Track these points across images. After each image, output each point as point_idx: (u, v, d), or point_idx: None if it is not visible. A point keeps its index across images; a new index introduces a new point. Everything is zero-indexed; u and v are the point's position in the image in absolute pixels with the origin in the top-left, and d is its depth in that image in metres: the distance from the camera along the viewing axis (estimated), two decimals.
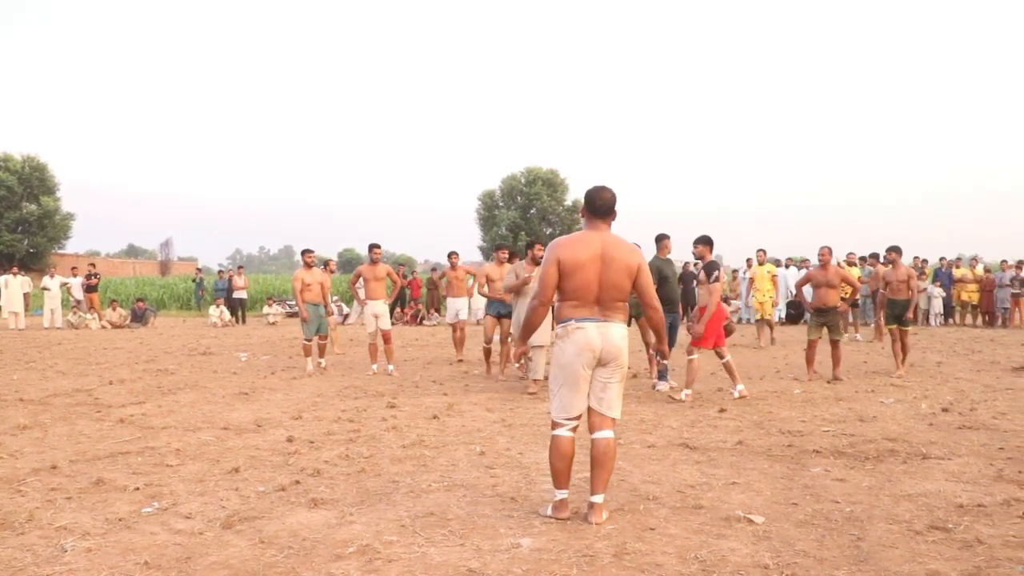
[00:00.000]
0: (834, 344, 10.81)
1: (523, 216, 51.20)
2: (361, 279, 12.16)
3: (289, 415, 8.16)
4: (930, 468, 5.79)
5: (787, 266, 22.67)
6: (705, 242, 9.47)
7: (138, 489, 5.30)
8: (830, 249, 11.14)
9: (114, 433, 7.27)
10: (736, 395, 9.12)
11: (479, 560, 3.93)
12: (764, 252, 16.90)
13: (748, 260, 21.22)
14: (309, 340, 12.33)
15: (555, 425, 4.66)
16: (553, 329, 4.64)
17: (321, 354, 12.60)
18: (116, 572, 3.81)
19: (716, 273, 9.22)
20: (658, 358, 8.79)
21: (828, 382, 10.47)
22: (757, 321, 16.95)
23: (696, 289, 10.77)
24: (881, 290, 12.80)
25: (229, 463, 6.04)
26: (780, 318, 22.31)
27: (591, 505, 4.61)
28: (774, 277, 16.41)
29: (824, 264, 10.96)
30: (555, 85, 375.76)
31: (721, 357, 9.33)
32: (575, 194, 52.22)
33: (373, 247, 12.13)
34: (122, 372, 12.11)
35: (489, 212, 52.44)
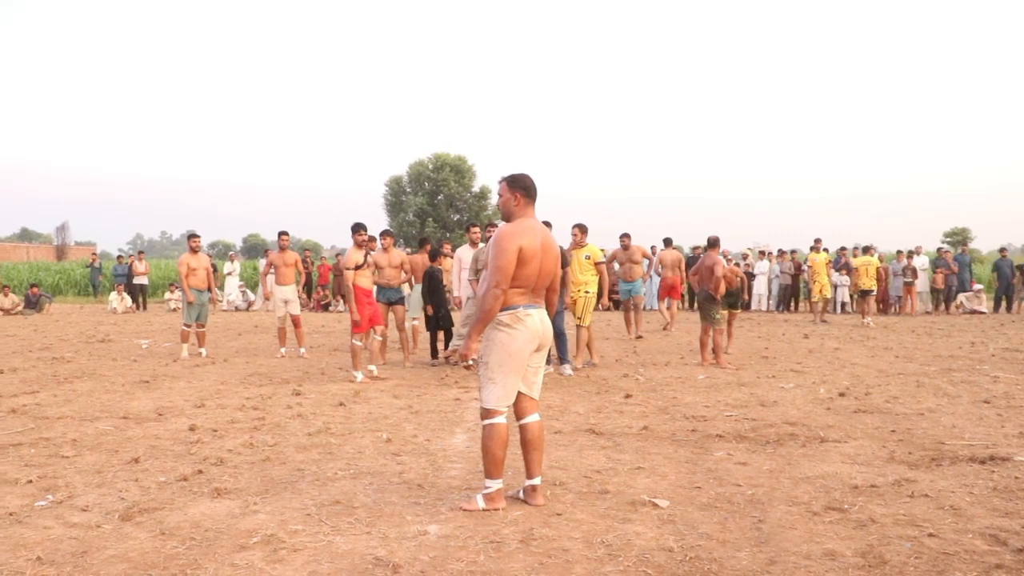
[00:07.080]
0: (704, 330, 11.38)
1: (431, 202, 50.78)
2: (272, 267, 12.66)
3: (192, 403, 7.97)
4: (827, 451, 5.97)
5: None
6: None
7: (31, 482, 5.10)
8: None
9: (5, 424, 6.99)
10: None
11: (386, 548, 3.91)
12: (583, 229, 11.50)
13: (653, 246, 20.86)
14: (188, 326, 12.44)
15: (491, 414, 4.55)
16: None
17: (201, 343, 12.57)
18: (6, 570, 3.66)
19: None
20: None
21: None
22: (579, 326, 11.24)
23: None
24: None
25: (128, 453, 5.87)
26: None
27: (534, 488, 4.67)
28: (598, 264, 11.39)
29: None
30: (463, 71, 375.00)
31: None
32: (483, 180, 51.97)
33: (282, 234, 12.72)
34: (14, 360, 11.66)
35: (396, 198, 51.90)
